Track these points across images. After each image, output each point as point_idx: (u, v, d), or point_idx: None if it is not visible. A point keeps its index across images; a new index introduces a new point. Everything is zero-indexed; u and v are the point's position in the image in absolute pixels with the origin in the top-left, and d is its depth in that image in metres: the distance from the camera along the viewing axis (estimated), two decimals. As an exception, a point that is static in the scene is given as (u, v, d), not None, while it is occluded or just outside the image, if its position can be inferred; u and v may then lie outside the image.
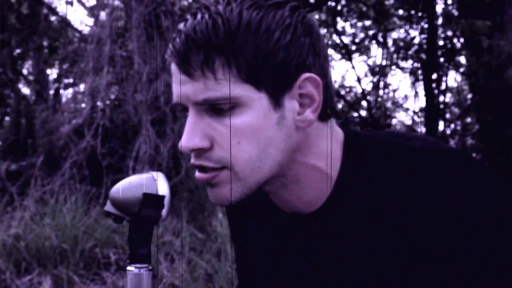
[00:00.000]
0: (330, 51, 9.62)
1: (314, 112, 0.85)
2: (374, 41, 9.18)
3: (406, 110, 11.16)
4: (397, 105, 10.96)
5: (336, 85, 10.63)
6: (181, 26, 0.83)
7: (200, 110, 0.83)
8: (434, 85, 8.32)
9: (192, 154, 0.85)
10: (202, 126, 0.83)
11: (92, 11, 6.47)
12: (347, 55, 9.12)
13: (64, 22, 7.56)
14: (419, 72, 8.96)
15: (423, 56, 8.21)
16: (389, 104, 10.70)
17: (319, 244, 0.91)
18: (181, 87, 0.83)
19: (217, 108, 0.82)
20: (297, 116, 0.84)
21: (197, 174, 0.86)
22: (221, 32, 0.80)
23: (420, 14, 7.85)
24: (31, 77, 7.85)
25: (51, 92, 7.69)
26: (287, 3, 0.85)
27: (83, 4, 7.61)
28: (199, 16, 0.82)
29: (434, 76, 8.28)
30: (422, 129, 9.63)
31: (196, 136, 0.83)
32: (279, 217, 0.94)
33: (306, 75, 0.83)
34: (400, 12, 8.27)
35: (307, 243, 0.92)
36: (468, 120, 9.14)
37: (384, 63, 9.97)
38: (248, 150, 0.83)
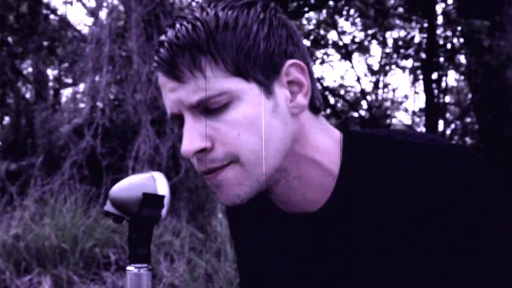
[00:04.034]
0: (330, 51, 9.62)
1: (305, 96, 0.87)
2: (373, 41, 9.18)
3: (406, 109, 11.16)
4: (396, 104, 10.96)
5: (336, 85, 10.63)
6: (162, 37, 0.85)
7: (195, 113, 0.84)
8: (434, 85, 8.32)
9: (195, 161, 0.85)
10: (200, 128, 0.84)
11: (92, 11, 6.47)
12: (347, 54, 9.12)
13: (64, 22, 7.56)
14: (419, 71, 8.96)
15: (423, 55, 8.21)
16: (388, 104, 10.71)
17: (325, 241, 0.91)
18: (173, 94, 0.84)
19: (211, 107, 0.83)
20: (289, 103, 0.86)
21: (206, 176, 0.86)
22: (202, 32, 0.82)
23: (419, 13, 7.85)
24: (31, 77, 7.85)
25: (51, 92, 7.69)
26: (257, 2, 0.87)
27: (83, 4, 7.61)
28: (177, 25, 0.84)
29: (434, 76, 8.28)
30: (422, 129, 9.63)
31: (196, 138, 0.84)
32: (284, 219, 0.94)
33: (290, 61, 0.86)
34: (400, 10, 8.27)
35: (314, 241, 0.92)
36: (468, 120, 9.15)
37: (384, 62, 9.98)
38: (250, 141, 0.83)
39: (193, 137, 0.83)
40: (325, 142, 0.89)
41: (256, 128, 0.83)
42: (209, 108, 0.83)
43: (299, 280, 0.95)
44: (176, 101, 0.84)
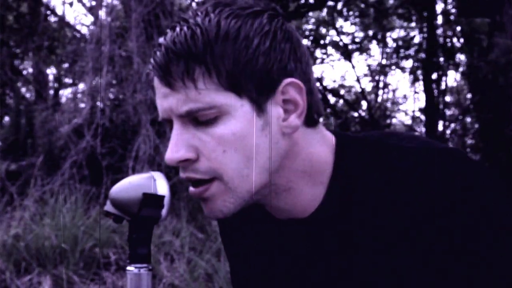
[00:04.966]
0: (330, 51, 9.62)
1: (299, 117, 0.84)
2: (373, 41, 9.19)
3: (406, 110, 11.16)
4: (396, 105, 10.96)
5: (336, 85, 10.63)
6: (161, 40, 0.84)
7: (184, 121, 0.83)
8: (434, 85, 8.32)
9: (180, 166, 0.85)
10: (187, 138, 0.83)
11: (92, 11, 6.47)
12: (346, 54, 9.13)
13: (63, 22, 7.56)
14: (419, 72, 8.97)
15: (423, 55, 8.21)
16: (388, 104, 10.71)
17: (315, 247, 0.91)
18: (164, 100, 0.83)
19: (200, 119, 0.82)
20: (282, 122, 0.84)
21: (191, 188, 0.86)
22: (200, 42, 0.80)
23: (419, 13, 7.85)
24: (31, 77, 7.85)
25: (51, 92, 7.69)
26: (265, 11, 0.85)
27: (83, 4, 7.61)
28: (177, 28, 0.82)
29: (434, 76, 8.29)
30: (422, 129, 9.63)
31: (182, 147, 0.83)
32: (274, 224, 0.94)
33: (288, 80, 0.83)
34: (400, 11, 8.27)
35: (304, 247, 0.92)
36: (468, 120, 9.15)
37: (384, 62, 9.98)
38: (235, 159, 0.82)
39: (178, 146, 0.83)
40: (319, 151, 0.88)
41: (243, 146, 0.82)
42: (198, 120, 0.82)
43: (292, 286, 0.95)
44: (166, 107, 0.83)
